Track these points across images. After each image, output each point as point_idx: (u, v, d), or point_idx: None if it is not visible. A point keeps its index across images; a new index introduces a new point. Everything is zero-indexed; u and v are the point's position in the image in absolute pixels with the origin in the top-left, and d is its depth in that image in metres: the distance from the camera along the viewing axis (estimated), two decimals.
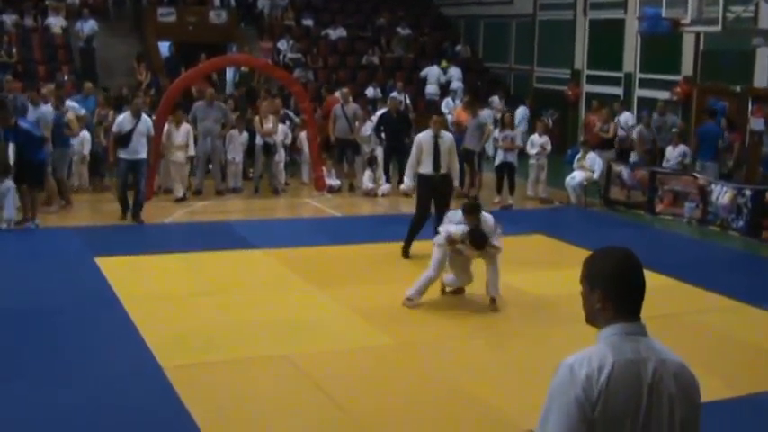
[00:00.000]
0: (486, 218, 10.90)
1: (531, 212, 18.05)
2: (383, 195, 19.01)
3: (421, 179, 13.45)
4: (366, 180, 19.22)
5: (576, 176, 18.76)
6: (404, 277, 11.64)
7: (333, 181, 19.30)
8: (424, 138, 13.39)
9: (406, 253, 13.48)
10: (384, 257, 13.34)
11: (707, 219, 17.00)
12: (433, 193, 13.36)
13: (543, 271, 12.80)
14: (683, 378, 3.28)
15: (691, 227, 17.08)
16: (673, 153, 19.07)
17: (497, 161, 18.87)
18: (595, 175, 18.72)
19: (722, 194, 16.68)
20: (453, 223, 10.91)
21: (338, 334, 9.63)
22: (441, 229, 11.14)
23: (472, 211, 10.80)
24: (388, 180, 19.36)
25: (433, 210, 13.41)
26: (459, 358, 8.87)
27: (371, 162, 19.35)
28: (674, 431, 3.22)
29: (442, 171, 13.31)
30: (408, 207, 15.15)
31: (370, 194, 19.05)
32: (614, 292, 3.30)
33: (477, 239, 10.66)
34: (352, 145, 19.88)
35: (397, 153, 19.24)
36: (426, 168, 13.30)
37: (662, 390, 3.22)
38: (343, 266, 12.86)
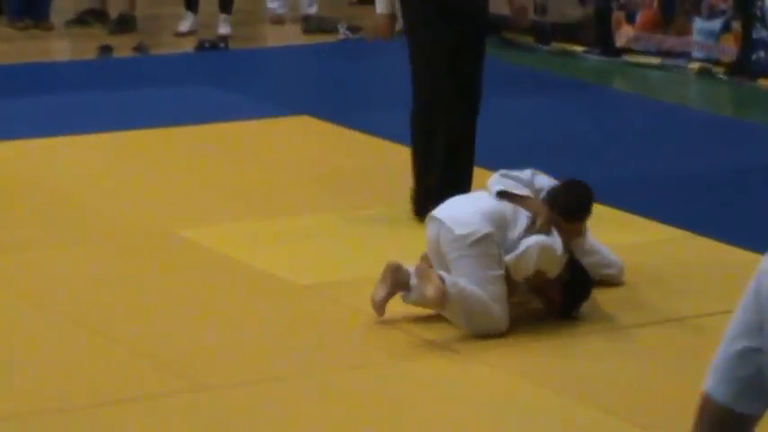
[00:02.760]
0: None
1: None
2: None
3: None
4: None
5: None
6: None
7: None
8: None
9: (418, 206, 5.67)
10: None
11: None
12: (454, 32, 5.57)
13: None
14: None
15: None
16: None
17: None
18: None
19: None
20: (522, 225, 4.80)
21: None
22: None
23: (581, 211, 4.92)
24: None
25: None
26: None
27: None
28: None
29: None
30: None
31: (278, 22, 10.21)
32: None
33: (579, 286, 4.88)
34: None
35: None
36: None
37: None
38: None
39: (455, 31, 5.61)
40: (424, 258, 4.85)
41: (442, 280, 4.61)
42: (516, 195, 4.85)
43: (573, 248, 4.92)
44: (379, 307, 4.68)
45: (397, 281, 4.69)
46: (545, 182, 4.99)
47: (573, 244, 4.93)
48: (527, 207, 4.85)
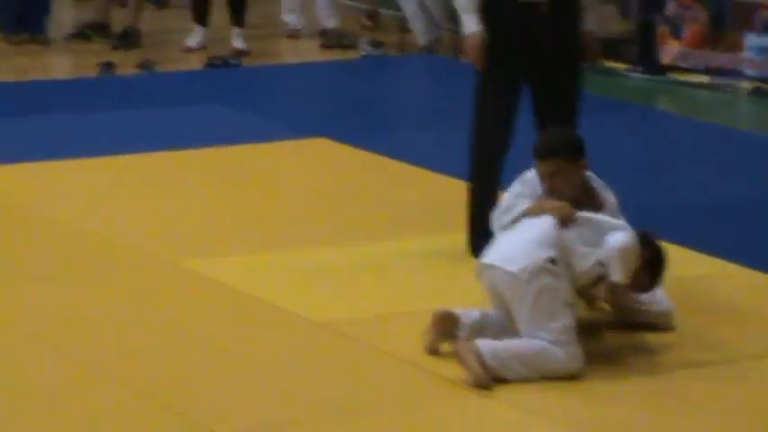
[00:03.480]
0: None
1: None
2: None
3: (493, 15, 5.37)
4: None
5: None
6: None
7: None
8: None
9: (474, 246, 5.34)
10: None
11: None
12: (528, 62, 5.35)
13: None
14: None
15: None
16: None
17: None
18: None
19: None
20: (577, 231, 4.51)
21: None
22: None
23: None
24: None
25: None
26: None
27: None
28: None
29: None
30: None
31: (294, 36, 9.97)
32: None
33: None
34: None
35: None
36: None
37: None
38: None
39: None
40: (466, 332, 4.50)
41: (481, 357, 4.30)
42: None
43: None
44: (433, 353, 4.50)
45: (444, 331, 4.47)
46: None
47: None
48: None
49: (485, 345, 4.32)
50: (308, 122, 7.71)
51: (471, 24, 5.36)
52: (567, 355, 4.33)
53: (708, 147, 7.47)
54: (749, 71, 8.39)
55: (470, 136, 5.48)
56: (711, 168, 7.02)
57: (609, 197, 4.74)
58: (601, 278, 4.48)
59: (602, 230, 4.47)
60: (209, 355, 4.70)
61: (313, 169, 6.96)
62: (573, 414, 4.28)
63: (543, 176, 4.61)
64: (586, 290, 4.55)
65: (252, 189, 6.55)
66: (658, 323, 4.76)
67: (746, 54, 8.42)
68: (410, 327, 4.65)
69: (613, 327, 4.82)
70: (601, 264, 4.43)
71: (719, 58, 8.55)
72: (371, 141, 7.15)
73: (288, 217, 6.16)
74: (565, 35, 5.35)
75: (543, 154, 4.61)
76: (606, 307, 4.76)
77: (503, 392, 4.31)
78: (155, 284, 5.32)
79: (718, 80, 8.53)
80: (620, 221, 4.61)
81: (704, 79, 8.60)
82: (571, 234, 4.45)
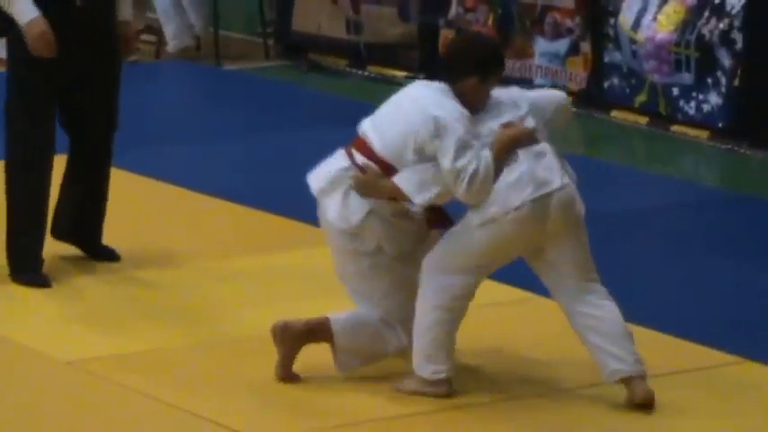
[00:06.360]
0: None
1: None
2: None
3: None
4: None
5: None
6: None
7: None
8: None
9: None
10: None
11: None
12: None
13: None
14: None
15: None
16: None
17: None
18: None
19: None
20: None
21: None
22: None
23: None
24: None
25: None
26: None
27: None
28: None
29: None
30: None
31: None
32: None
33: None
34: None
35: None
36: None
37: None
38: None
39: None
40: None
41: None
42: None
43: None
44: (287, 378, 4.25)
45: (293, 341, 4.22)
46: None
47: None
48: None
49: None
50: None
51: (27, 10, 4.97)
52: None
53: None
54: (540, 80, 7.78)
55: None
56: None
57: None
58: None
59: None
60: None
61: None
62: None
63: (486, 91, 4.16)
64: None
65: None
66: None
67: (537, 61, 7.84)
68: None
69: None
70: None
71: (508, 65, 7.90)
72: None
73: None
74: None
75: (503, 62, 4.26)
76: None
77: None
78: None
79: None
80: None
81: None
82: None
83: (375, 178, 4.09)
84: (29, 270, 5.11)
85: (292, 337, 4.20)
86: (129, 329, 4.83)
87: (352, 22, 8.40)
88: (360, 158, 4.13)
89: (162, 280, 5.25)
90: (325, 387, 4.28)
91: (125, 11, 5.23)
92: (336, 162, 4.19)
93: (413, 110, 4.06)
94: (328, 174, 4.16)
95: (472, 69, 4.10)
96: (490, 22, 7.92)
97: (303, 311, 4.36)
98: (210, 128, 7.22)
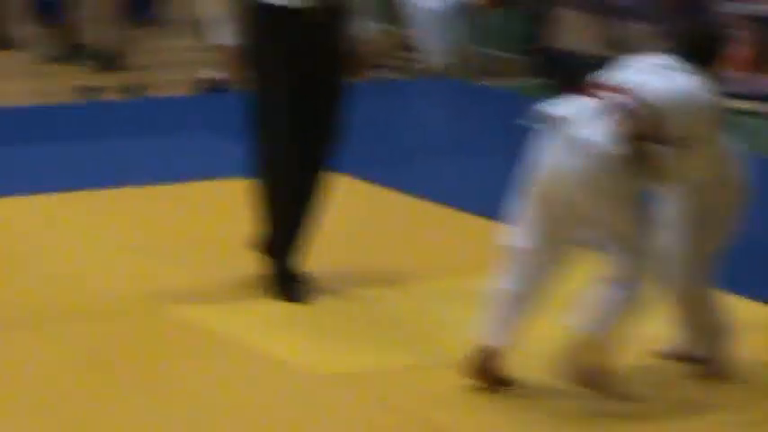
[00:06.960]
0: None
1: None
2: None
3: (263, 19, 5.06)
4: None
5: None
6: None
7: None
8: None
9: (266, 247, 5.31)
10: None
11: None
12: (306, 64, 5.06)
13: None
14: None
15: None
16: None
17: None
18: None
19: None
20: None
21: None
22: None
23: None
24: None
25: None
26: None
27: None
28: None
29: None
30: None
31: None
32: None
33: None
34: None
35: None
36: None
37: None
38: None
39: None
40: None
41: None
42: None
43: None
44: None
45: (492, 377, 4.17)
46: None
47: None
48: None
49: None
50: None
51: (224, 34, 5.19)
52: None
53: None
54: None
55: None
56: None
57: None
58: None
59: None
60: (194, 416, 4.31)
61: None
62: None
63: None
64: None
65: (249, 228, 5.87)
66: None
67: None
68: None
69: None
70: None
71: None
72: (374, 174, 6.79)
73: None
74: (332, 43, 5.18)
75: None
76: None
77: None
78: (136, 333, 5.00)
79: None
80: None
81: None
82: None
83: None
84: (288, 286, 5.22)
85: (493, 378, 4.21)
86: (389, 345, 4.95)
87: (614, 39, 8.58)
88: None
89: (410, 298, 5.35)
90: None
91: (361, 27, 5.12)
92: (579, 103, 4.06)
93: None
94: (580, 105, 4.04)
95: None
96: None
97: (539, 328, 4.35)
98: (472, 144, 7.56)
